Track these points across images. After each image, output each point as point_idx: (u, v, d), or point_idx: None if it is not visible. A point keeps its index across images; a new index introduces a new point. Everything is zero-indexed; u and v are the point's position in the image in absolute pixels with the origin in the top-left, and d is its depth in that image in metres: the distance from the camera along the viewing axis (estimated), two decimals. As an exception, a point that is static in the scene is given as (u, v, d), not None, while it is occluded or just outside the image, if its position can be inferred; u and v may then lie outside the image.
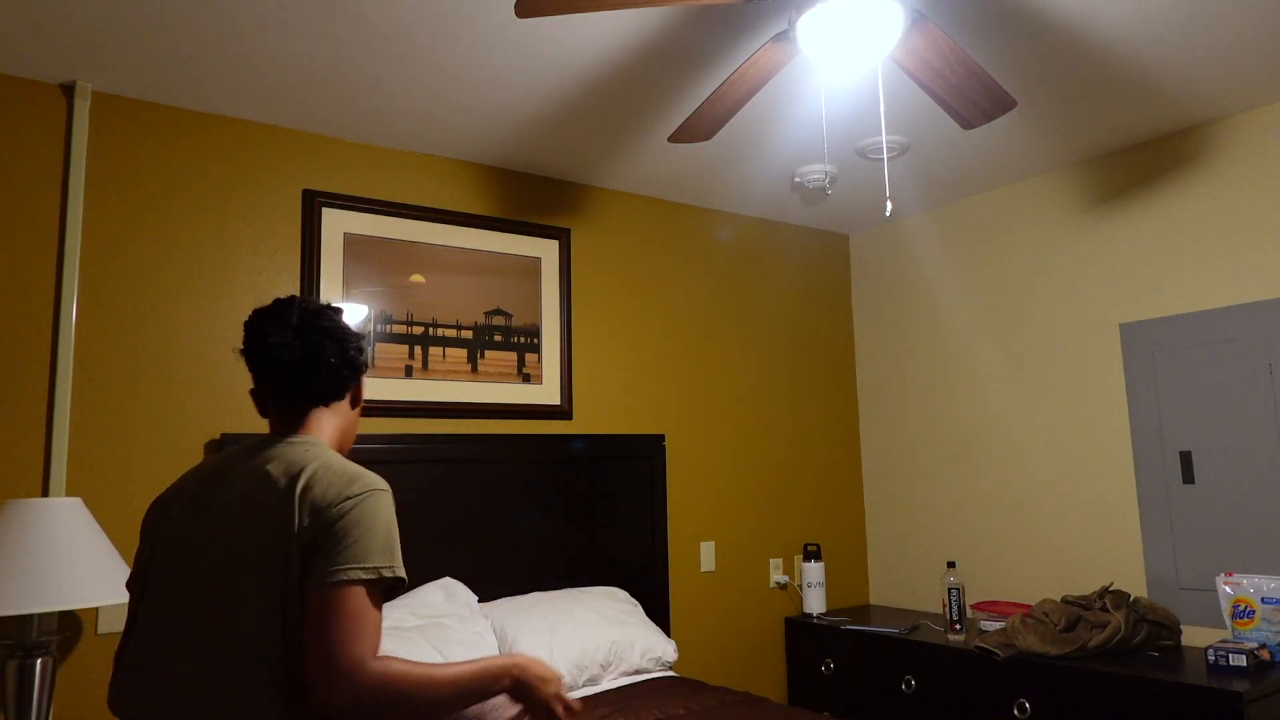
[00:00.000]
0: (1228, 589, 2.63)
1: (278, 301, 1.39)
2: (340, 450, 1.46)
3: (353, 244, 2.81)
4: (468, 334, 3.00)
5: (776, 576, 3.66)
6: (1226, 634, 2.73)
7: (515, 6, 1.72)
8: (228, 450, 1.42)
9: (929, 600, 3.71)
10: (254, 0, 2.03)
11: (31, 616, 2.10)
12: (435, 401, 2.90)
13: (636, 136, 2.90)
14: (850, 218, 3.89)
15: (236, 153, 2.66)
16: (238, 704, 1.17)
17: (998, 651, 2.77)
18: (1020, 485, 3.39)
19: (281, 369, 1.35)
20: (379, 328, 2.83)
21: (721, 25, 2.20)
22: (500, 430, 3.04)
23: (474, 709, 1.75)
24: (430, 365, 2.92)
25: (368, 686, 1.14)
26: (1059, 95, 2.66)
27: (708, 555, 3.47)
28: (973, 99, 2.09)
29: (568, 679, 2.53)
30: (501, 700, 1.51)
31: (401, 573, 1.24)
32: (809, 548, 3.59)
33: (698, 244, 3.63)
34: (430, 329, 2.93)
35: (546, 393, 3.15)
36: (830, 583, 3.83)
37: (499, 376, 3.05)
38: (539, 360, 3.15)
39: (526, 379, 3.11)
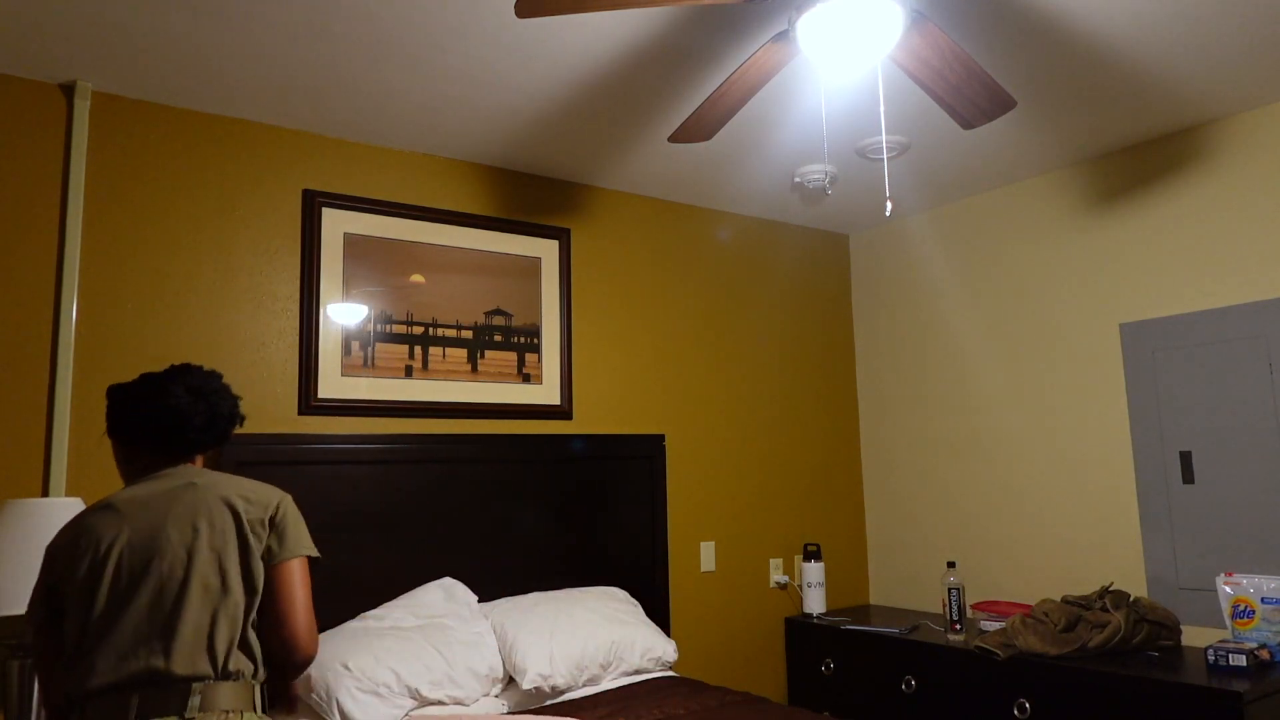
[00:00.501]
0: (1228, 589, 2.63)
1: (172, 369, 1.73)
2: None
3: (353, 244, 2.81)
4: (468, 334, 3.00)
5: (776, 576, 3.66)
6: (1226, 634, 2.73)
7: (515, 6, 1.72)
8: (141, 486, 1.65)
9: (929, 600, 3.71)
10: (254, 0, 2.03)
11: (31, 616, 2.10)
12: (435, 401, 2.90)
13: (636, 136, 2.90)
14: (850, 218, 3.89)
15: (236, 153, 2.66)
16: (234, 648, 1.56)
17: (998, 651, 2.77)
18: (1020, 485, 3.39)
19: (194, 424, 1.71)
20: (379, 328, 2.83)
21: (721, 25, 2.20)
22: (500, 430, 3.04)
23: None
24: (430, 365, 2.92)
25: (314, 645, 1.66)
26: (1059, 95, 2.66)
27: (708, 555, 3.47)
28: (973, 99, 2.09)
29: (568, 679, 2.53)
30: None
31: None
32: (809, 548, 3.59)
33: (698, 244, 3.63)
34: (430, 329, 2.93)
35: (546, 393, 3.15)
36: (830, 583, 3.83)
37: (499, 376, 3.05)
38: (539, 360, 3.15)
39: (526, 379, 3.11)
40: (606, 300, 3.35)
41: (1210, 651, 2.50)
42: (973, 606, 3.33)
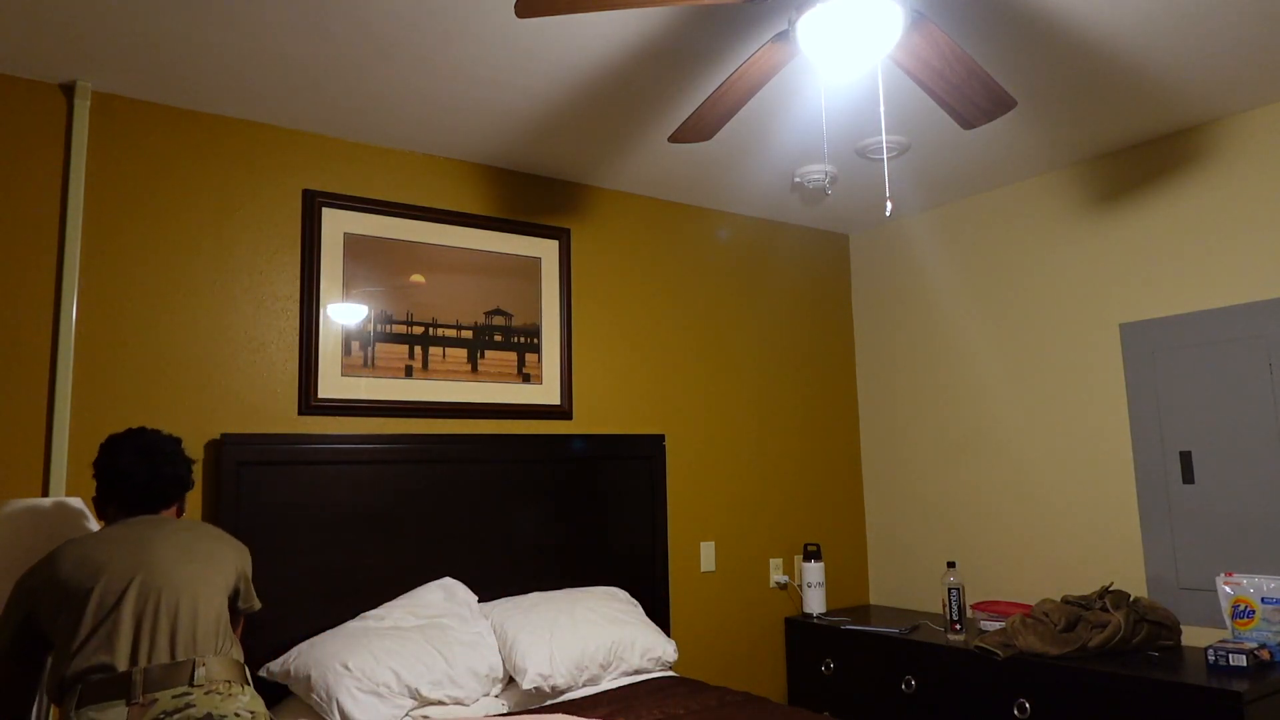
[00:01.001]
0: (1228, 589, 2.63)
1: (130, 430, 1.93)
2: None
3: (353, 244, 2.81)
4: (468, 334, 3.00)
5: (776, 576, 3.66)
6: (1226, 634, 2.73)
7: (515, 7, 1.72)
8: (126, 524, 1.84)
9: (929, 600, 3.71)
10: (254, 0, 2.03)
11: (31, 616, 2.10)
12: (435, 401, 2.90)
13: (636, 136, 2.90)
14: (850, 218, 3.89)
15: (236, 153, 2.66)
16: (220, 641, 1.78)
17: (998, 651, 2.77)
18: (1020, 485, 3.39)
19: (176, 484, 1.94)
20: (379, 328, 2.83)
21: (721, 25, 2.20)
22: (500, 430, 3.04)
23: None
24: (430, 365, 2.92)
25: None
26: (1059, 95, 2.66)
27: (708, 555, 3.47)
28: (973, 99, 2.09)
29: (568, 679, 2.53)
30: None
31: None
32: (809, 548, 3.59)
33: (698, 244, 3.63)
34: (430, 329, 2.93)
35: (546, 393, 3.15)
36: (830, 583, 3.83)
37: (499, 376, 3.05)
38: (539, 360, 3.15)
39: (526, 379, 3.11)
40: (606, 300, 3.35)
41: (1210, 651, 2.50)
42: (973, 606, 3.33)
